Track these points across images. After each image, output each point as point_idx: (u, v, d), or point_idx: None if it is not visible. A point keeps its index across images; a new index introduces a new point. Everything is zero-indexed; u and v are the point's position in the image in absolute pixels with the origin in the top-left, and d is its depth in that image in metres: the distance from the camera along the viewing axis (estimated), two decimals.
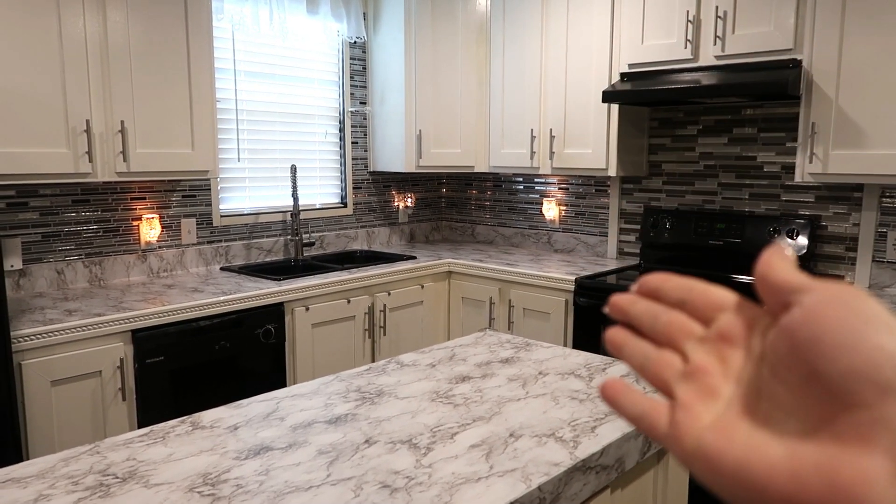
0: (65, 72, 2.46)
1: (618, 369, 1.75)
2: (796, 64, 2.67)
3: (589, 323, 3.03)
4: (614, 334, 0.37)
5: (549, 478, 1.17)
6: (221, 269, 3.30)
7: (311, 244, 3.68)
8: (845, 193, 2.93)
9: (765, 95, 2.83)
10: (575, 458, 1.24)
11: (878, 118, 2.52)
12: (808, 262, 2.95)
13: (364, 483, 1.14)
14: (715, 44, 2.85)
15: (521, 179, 4.08)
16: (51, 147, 2.45)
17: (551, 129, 3.44)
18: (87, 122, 2.52)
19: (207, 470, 1.18)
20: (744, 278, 3.09)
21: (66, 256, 2.85)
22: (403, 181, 4.25)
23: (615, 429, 1.36)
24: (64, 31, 2.45)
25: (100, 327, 2.34)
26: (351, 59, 3.88)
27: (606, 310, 0.37)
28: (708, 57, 2.89)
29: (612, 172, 3.26)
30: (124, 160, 2.64)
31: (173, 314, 2.53)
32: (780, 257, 0.32)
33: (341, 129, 3.91)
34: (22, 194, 2.72)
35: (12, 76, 2.34)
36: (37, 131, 2.41)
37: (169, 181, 3.14)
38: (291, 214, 3.57)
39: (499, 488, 1.13)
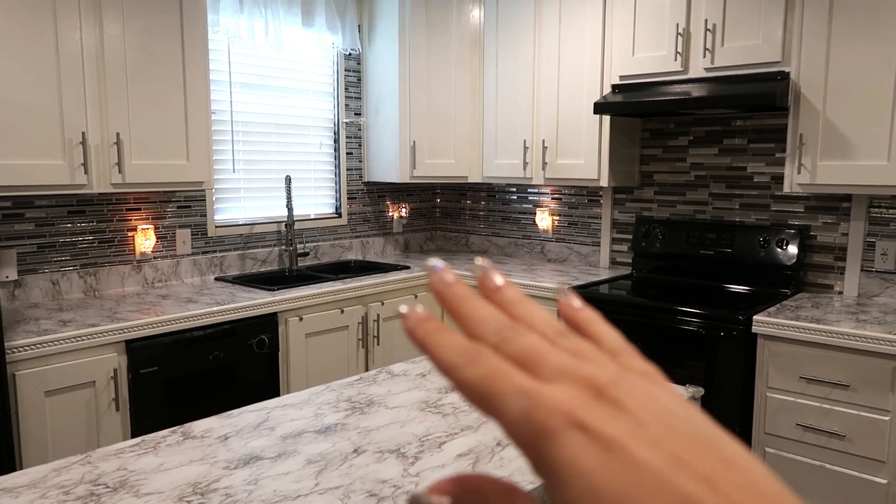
0: (61, 84, 2.49)
1: None
2: (784, 76, 2.70)
3: None
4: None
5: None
6: (216, 279, 3.32)
7: (306, 254, 3.70)
8: (834, 203, 2.96)
9: (754, 107, 2.87)
10: None
11: (865, 129, 2.55)
12: (797, 271, 2.98)
13: (351, 492, 1.16)
14: (704, 56, 2.89)
15: (514, 190, 4.10)
16: (47, 159, 2.47)
17: (544, 140, 3.47)
18: (83, 133, 2.54)
19: (197, 479, 1.20)
20: (735, 287, 3.11)
21: (62, 267, 2.86)
22: (398, 191, 4.28)
23: None
24: (61, 44, 2.48)
25: (94, 338, 2.35)
26: (346, 70, 3.91)
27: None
28: (698, 69, 2.93)
29: (605, 183, 3.29)
30: (119, 171, 2.66)
31: (167, 324, 2.54)
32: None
33: (336, 140, 3.93)
34: (18, 205, 2.74)
35: (9, 88, 2.37)
36: (33, 143, 2.43)
37: (164, 192, 3.16)
38: (286, 225, 3.59)
39: None
